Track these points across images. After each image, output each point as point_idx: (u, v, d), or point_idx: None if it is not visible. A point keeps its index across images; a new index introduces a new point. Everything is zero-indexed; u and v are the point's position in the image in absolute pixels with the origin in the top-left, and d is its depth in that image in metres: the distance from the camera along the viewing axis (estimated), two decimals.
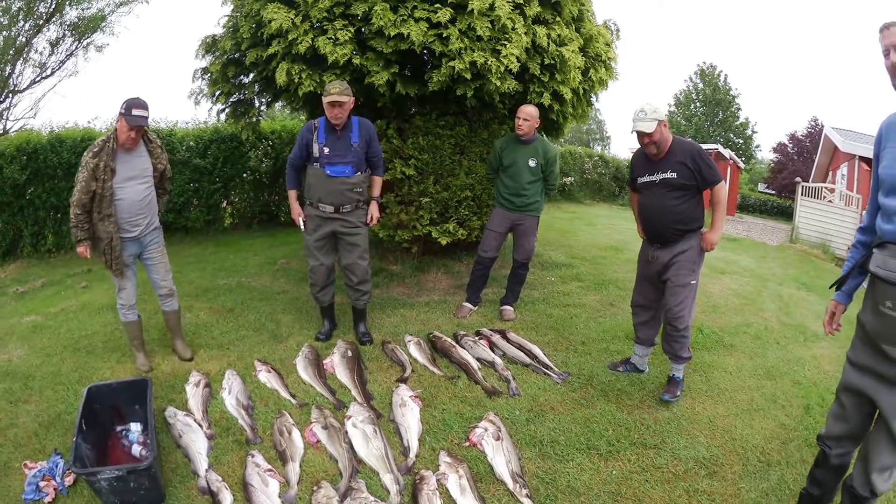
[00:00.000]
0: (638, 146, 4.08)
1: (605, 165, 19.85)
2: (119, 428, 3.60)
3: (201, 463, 3.30)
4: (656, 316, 4.40)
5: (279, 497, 3.05)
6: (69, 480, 3.18)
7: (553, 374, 4.42)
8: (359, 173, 4.62)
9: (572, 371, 4.49)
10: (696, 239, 4.03)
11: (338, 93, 4.30)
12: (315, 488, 3.09)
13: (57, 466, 3.22)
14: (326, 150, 4.52)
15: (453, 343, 4.82)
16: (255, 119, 7.05)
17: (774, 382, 4.57)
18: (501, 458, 3.31)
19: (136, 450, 3.42)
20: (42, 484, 3.09)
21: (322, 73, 5.28)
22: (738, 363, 4.87)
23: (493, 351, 4.76)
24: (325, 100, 4.36)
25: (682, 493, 3.14)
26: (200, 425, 3.65)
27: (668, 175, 3.94)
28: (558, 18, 5.69)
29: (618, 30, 6.97)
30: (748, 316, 6.25)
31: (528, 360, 4.63)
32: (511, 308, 5.73)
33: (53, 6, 7.82)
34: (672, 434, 3.67)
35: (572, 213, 14.62)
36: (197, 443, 3.45)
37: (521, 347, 4.82)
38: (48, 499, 3.05)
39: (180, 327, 4.83)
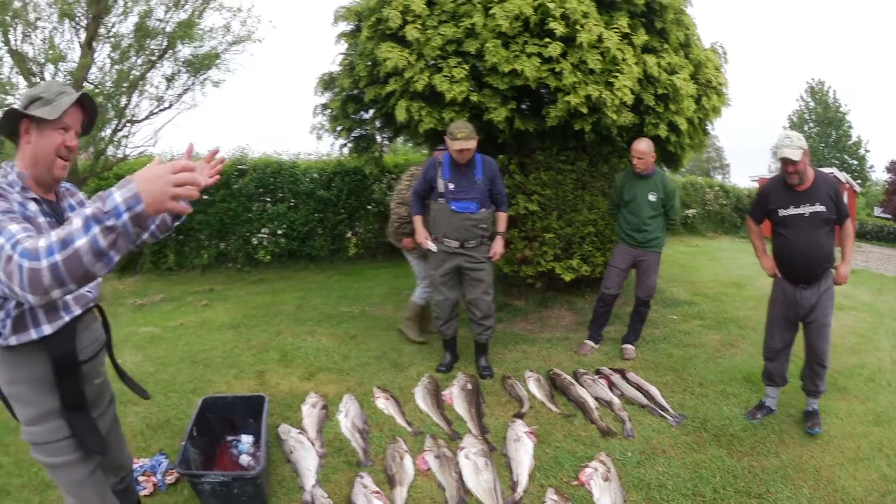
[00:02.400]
0: (767, 175, 3.88)
1: (725, 196, 19.06)
2: (229, 438, 3.73)
3: (309, 478, 3.36)
4: (789, 355, 4.23)
5: None
6: (170, 479, 3.36)
7: (668, 417, 4.27)
8: (483, 209, 4.67)
9: (687, 413, 4.34)
10: (832, 274, 3.93)
11: (464, 138, 4.39)
12: None
13: (160, 465, 3.41)
14: (451, 186, 4.60)
15: (572, 381, 4.73)
16: (377, 154, 7.27)
17: (882, 429, 4.26)
18: (607, 500, 3.22)
19: (245, 460, 3.52)
20: (142, 478, 3.27)
21: (441, 110, 5.39)
22: (849, 408, 4.57)
23: (611, 390, 4.65)
24: (451, 145, 4.46)
25: None
26: (313, 443, 3.73)
27: (818, 208, 3.78)
28: (666, 45, 5.63)
29: (725, 53, 6.79)
30: (863, 356, 5.85)
31: (645, 400, 4.50)
32: (632, 347, 5.57)
33: (165, 44, 8.34)
34: (777, 483, 3.49)
35: (695, 246, 14.20)
36: (307, 459, 3.52)
37: (639, 388, 4.70)
38: (145, 492, 3.23)
39: None
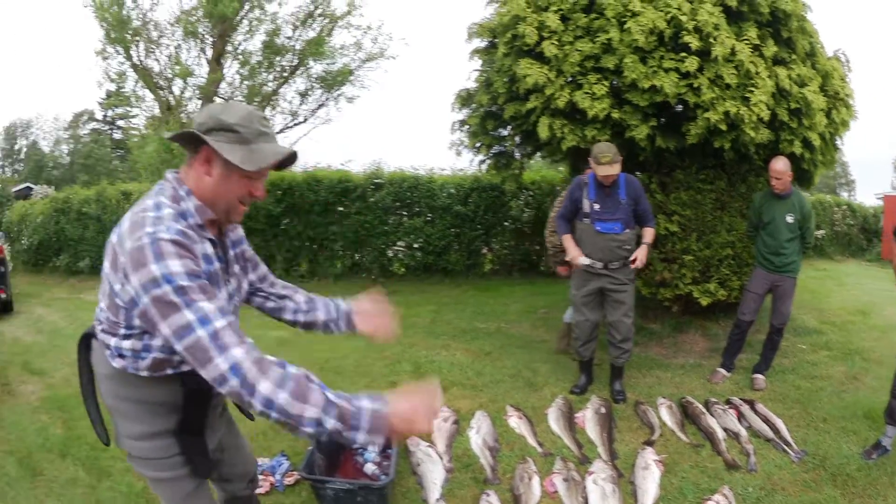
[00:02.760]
0: (892, 192, 3.63)
1: (852, 215, 17.79)
2: (356, 446, 3.81)
3: (433, 492, 3.40)
4: None
5: None
6: (289, 481, 3.47)
7: (791, 452, 4.11)
8: (627, 230, 4.64)
9: (809, 450, 4.17)
10: None
11: (608, 162, 4.39)
12: None
13: (280, 465, 3.53)
14: (597, 206, 4.60)
15: (704, 410, 4.64)
16: (517, 170, 7.27)
17: None
18: None
19: (370, 468, 3.59)
20: (259, 477, 3.27)
21: (583, 128, 5.36)
22: None
23: (740, 421, 4.53)
24: (595, 169, 4.47)
25: None
26: (441, 457, 3.78)
27: None
28: (794, 56, 5.40)
29: (848, 61, 6.37)
30: None
31: (771, 434, 4.35)
32: (763, 377, 5.37)
33: (296, 61, 8.65)
34: None
35: (823, 270, 13.48)
36: (434, 473, 3.57)
37: (766, 420, 4.54)
38: (261, 490, 3.31)
39: None
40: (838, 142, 6.29)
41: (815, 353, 6.32)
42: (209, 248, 1.76)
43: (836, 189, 50.24)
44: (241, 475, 2.37)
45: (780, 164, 4.90)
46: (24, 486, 3.58)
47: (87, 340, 1.95)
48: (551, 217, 5.44)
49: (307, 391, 1.50)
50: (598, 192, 4.60)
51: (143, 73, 8.10)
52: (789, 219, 4.97)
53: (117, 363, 1.80)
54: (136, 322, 1.69)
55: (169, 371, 1.81)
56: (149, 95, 8.57)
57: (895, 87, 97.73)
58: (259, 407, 1.48)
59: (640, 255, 4.63)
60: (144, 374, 1.80)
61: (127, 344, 1.76)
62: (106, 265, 1.70)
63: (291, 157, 1.81)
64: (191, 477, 1.97)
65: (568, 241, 4.76)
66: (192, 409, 1.92)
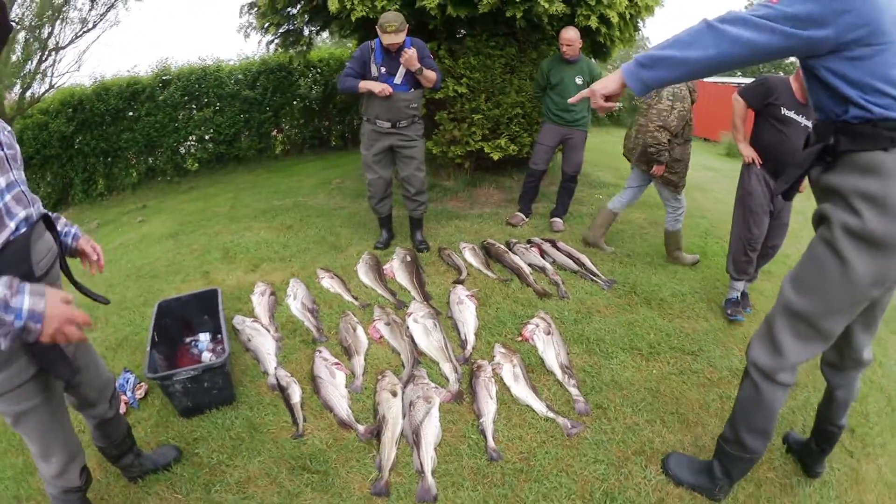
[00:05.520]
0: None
1: None
2: (188, 339, 3.77)
3: (270, 362, 3.49)
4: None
5: (346, 387, 3.25)
6: (140, 393, 3.37)
7: (599, 281, 4.51)
8: (413, 90, 4.72)
9: (617, 279, 4.56)
10: None
11: (394, 31, 4.38)
12: (380, 377, 3.27)
13: (128, 382, 3.39)
14: (384, 69, 4.62)
15: (506, 249, 4.95)
16: (304, 48, 7.24)
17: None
18: (551, 352, 3.45)
19: (206, 356, 3.56)
20: None
21: None
22: (774, 288, 4.61)
23: (543, 258, 4.88)
24: (382, 38, 4.45)
25: (715, 397, 3.22)
26: (268, 329, 3.85)
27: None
28: None
29: None
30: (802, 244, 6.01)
31: (576, 267, 4.73)
32: (560, 220, 5.85)
33: None
34: (709, 344, 3.73)
35: (620, 137, 14.40)
36: (266, 345, 3.65)
37: (570, 255, 4.91)
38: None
39: None
40: (640, 24, 6.69)
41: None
42: None
43: None
44: (101, 391, 2.34)
45: (571, 33, 5.23)
46: None
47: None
48: (660, 109, 4.55)
49: None
50: (384, 57, 4.63)
51: None
52: (578, 80, 5.36)
53: None
54: None
55: None
56: None
57: None
58: None
59: (409, 53, 4.48)
60: None
61: None
62: None
63: None
64: (48, 403, 1.97)
65: (363, 86, 4.63)
66: None
